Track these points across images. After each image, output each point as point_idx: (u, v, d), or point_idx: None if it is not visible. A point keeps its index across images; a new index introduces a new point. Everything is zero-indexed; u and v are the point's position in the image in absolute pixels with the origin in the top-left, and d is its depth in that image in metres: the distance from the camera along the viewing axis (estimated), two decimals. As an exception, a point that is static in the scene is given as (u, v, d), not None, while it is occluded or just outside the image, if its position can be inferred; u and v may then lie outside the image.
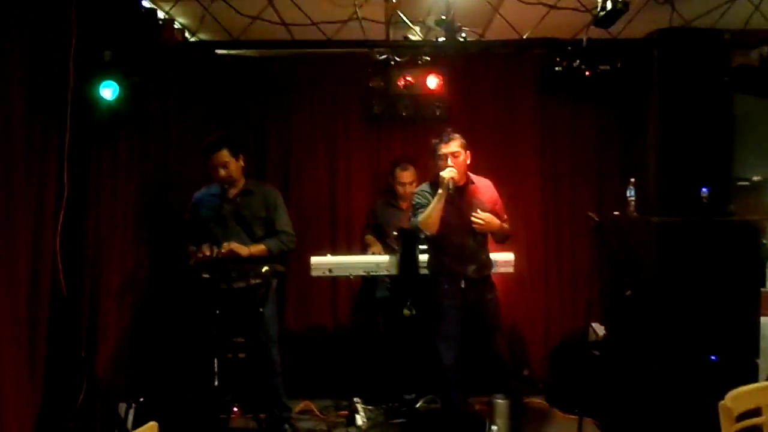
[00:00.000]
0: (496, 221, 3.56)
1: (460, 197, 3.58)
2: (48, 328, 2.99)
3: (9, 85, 2.69)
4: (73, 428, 3.14)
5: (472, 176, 3.69)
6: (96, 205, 3.42)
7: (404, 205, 4.61)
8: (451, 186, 3.40)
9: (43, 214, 2.96)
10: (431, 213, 3.43)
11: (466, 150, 3.55)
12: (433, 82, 3.85)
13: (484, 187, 3.70)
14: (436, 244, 3.65)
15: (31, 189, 2.87)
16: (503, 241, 3.82)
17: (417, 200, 3.60)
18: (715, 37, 3.49)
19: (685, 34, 3.54)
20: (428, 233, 3.50)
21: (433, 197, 3.48)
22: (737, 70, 3.63)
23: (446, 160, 3.47)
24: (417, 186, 4.52)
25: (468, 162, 3.59)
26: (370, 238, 4.69)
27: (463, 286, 3.57)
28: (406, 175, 4.52)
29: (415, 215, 3.58)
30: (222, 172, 3.71)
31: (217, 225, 3.73)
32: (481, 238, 3.63)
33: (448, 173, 3.42)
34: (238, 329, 3.79)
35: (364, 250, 4.66)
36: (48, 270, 2.99)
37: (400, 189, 4.57)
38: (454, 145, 3.49)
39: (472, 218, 3.49)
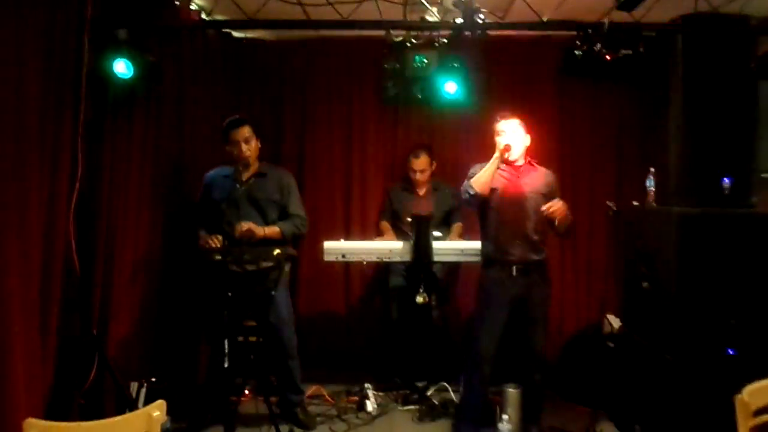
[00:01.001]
0: (565, 208, 3.47)
1: (517, 177, 3.60)
2: (60, 306, 3.00)
3: (24, 64, 2.69)
4: (84, 405, 3.16)
5: (534, 161, 3.70)
6: (110, 184, 3.42)
7: (420, 192, 4.57)
8: (508, 154, 3.48)
9: (56, 193, 2.97)
10: (484, 173, 3.49)
11: (525, 131, 3.60)
12: (452, 88, 3.83)
13: (543, 172, 3.69)
14: (488, 225, 3.61)
15: (45, 167, 2.87)
16: (567, 234, 3.77)
17: (472, 171, 3.63)
18: (741, 24, 3.40)
19: (710, 20, 3.45)
20: (477, 192, 3.48)
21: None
22: (763, 57, 3.53)
23: (504, 134, 3.54)
24: (430, 174, 4.51)
25: (527, 143, 3.62)
26: (385, 224, 4.67)
27: (513, 273, 3.52)
28: (419, 163, 4.49)
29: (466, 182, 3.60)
30: (244, 147, 3.69)
31: (230, 207, 3.72)
32: (536, 220, 3.55)
33: (504, 140, 3.51)
34: (250, 312, 3.79)
35: (378, 236, 4.64)
36: (61, 248, 3.00)
37: (413, 176, 4.55)
38: (512, 122, 3.57)
39: (547, 209, 3.42)
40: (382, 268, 4.77)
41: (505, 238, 3.54)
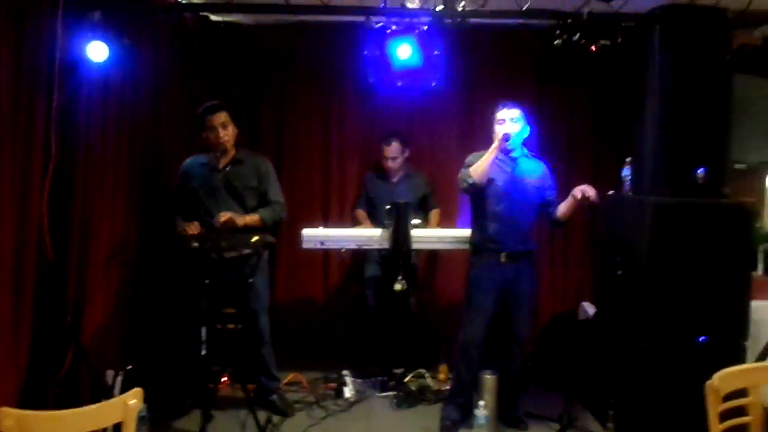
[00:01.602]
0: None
1: (513, 167, 3.62)
2: (34, 293, 2.96)
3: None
4: (59, 394, 3.13)
5: (531, 154, 3.73)
6: (84, 168, 3.37)
7: (394, 179, 4.58)
8: (507, 142, 3.47)
9: (29, 178, 2.92)
10: (482, 163, 3.48)
11: (525, 122, 3.60)
12: (405, 51, 3.68)
13: (538, 164, 3.72)
14: (482, 214, 3.64)
15: (18, 152, 2.82)
16: (562, 225, 3.82)
17: (469, 160, 3.62)
18: (718, 16, 3.42)
19: (687, 11, 3.47)
20: (476, 181, 3.49)
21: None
22: (739, 49, 3.57)
23: (504, 123, 3.54)
24: (403, 162, 4.51)
25: (526, 134, 3.62)
26: (360, 213, 4.68)
27: (502, 260, 3.57)
28: (391, 150, 4.50)
29: (464, 170, 3.60)
30: (221, 132, 3.65)
31: (208, 195, 3.69)
32: (529, 211, 3.64)
33: (502, 129, 3.50)
34: (228, 299, 3.77)
35: (354, 224, 4.63)
36: (34, 234, 2.96)
37: (385, 163, 4.56)
38: (514, 111, 3.56)
39: (581, 192, 3.45)
40: (358, 257, 4.78)
41: (498, 227, 3.58)
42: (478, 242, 3.68)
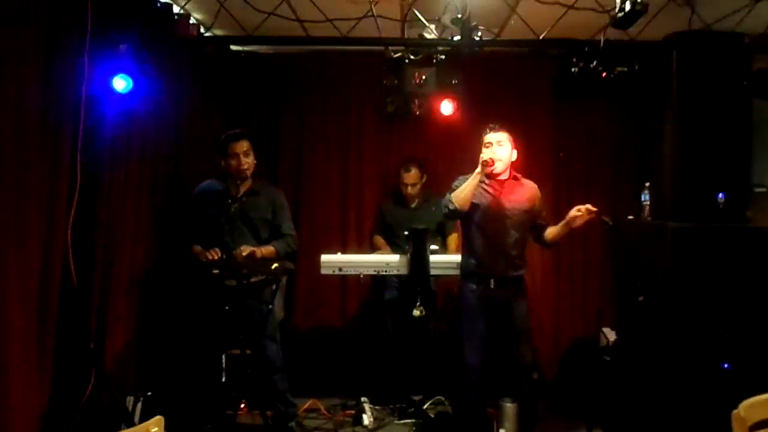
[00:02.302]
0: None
1: (500, 190, 3.58)
2: (58, 320, 2.99)
3: (24, 77, 2.70)
4: (80, 420, 3.14)
5: (519, 175, 3.68)
6: (108, 197, 3.43)
7: (412, 204, 4.59)
8: (489, 168, 3.41)
9: (55, 205, 2.97)
10: (464, 188, 3.43)
11: (512, 144, 3.57)
12: (447, 108, 3.84)
13: (527, 186, 3.68)
14: (469, 238, 3.62)
15: (44, 180, 2.88)
16: (553, 246, 3.79)
17: (455, 184, 3.58)
18: (735, 41, 3.44)
19: (704, 37, 3.50)
20: (457, 208, 3.45)
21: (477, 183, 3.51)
22: (757, 74, 3.57)
23: (490, 146, 3.51)
24: (421, 187, 4.52)
25: (513, 158, 3.59)
26: (379, 239, 4.68)
27: (492, 286, 3.53)
28: (410, 176, 4.52)
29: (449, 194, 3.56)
30: (243, 160, 3.71)
31: (225, 224, 3.73)
32: (517, 236, 3.58)
33: (487, 154, 3.46)
34: (245, 325, 3.79)
35: (373, 250, 4.64)
36: (59, 261, 3.00)
37: (404, 189, 4.58)
38: (500, 135, 3.53)
39: (585, 209, 3.41)
40: (376, 282, 4.78)
41: (486, 253, 3.55)
42: (467, 268, 3.64)
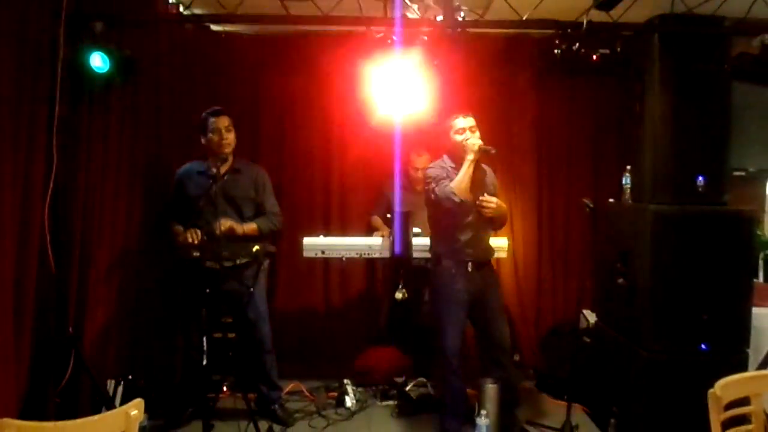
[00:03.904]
0: (504, 207, 3.57)
1: (471, 175, 3.53)
2: (35, 305, 2.96)
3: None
4: (60, 404, 3.12)
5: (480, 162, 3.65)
6: (85, 180, 3.38)
7: (417, 188, 4.56)
8: (482, 152, 3.40)
9: (31, 189, 2.92)
10: (463, 178, 3.41)
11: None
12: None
13: (488, 171, 3.71)
14: (444, 224, 3.60)
15: (19, 161, 2.83)
16: (500, 228, 3.83)
17: (435, 172, 3.55)
18: (716, 24, 3.45)
19: (686, 20, 3.49)
20: (463, 199, 3.41)
21: (452, 169, 3.50)
22: (737, 58, 3.59)
23: (464, 132, 3.50)
24: None
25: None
26: (377, 219, 4.64)
27: (469, 269, 3.55)
28: (421, 161, 4.49)
29: (438, 185, 3.50)
30: (225, 134, 3.68)
31: (206, 203, 3.68)
32: (488, 220, 3.61)
33: (475, 140, 3.45)
34: (228, 308, 3.77)
35: (369, 232, 4.62)
36: (36, 246, 2.96)
37: (413, 173, 4.56)
38: (471, 120, 3.53)
39: (483, 201, 3.47)
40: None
41: (469, 238, 3.55)
42: (447, 252, 3.61)
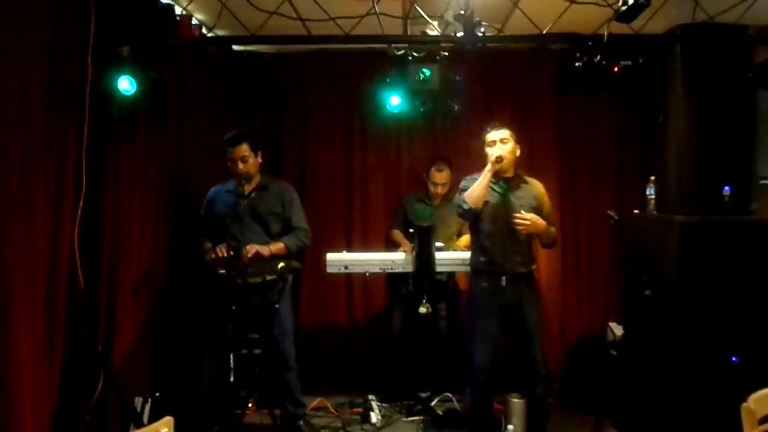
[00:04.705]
0: (541, 222, 3.48)
1: (507, 189, 3.58)
2: (66, 322, 3.00)
3: (28, 80, 2.70)
4: (90, 422, 3.15)
5: (523, 173, 3.69)
6: (113, 198, 3.43)
7: (435, 202, 4.57)
8: (498, 164, 3.44)
9: (61, 208, 2.97)
10: (476, 187, 3.46)
11: (515, 141, 3.58)
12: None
13: (532, 185, 3.68)
14: (479, 236, 3.61)
15: (50, 182, 2.88)
16: (550, 245, 3.75)
17: (464, 184, 3.61)
18: (739, 33, 3.43)
19: (708, 29, 3.48)
20: (472, 207, 3.46)
21: None
22: (761, 66, 3.56)
23: (494, 144, 3.53)
24: (450, 187, 4.51)
25: (517, 154, 3.60)
26: (397, 233, 4.64)
27: (503, 284, 3.52)
28: (441, 176, 4.50)
29: (460, 194, 3.57)
30: (241, 166, 3.74)
31: (234, 221, 3.73)
32: (525, 234, 3.55)
33: (496, 152, 3.49)
34: (253, 325, 3.80)
35: (389, 247, 4.62)
36: (66, 264, 3.00)
37: (432, 188, 4.55)
38: (503, 132, 3.55)
39: (515, 218, 3.46)
40: (392, 279, 4.72)
41: (496, 250, 3.54)
42: (478, 265, 3.64)
